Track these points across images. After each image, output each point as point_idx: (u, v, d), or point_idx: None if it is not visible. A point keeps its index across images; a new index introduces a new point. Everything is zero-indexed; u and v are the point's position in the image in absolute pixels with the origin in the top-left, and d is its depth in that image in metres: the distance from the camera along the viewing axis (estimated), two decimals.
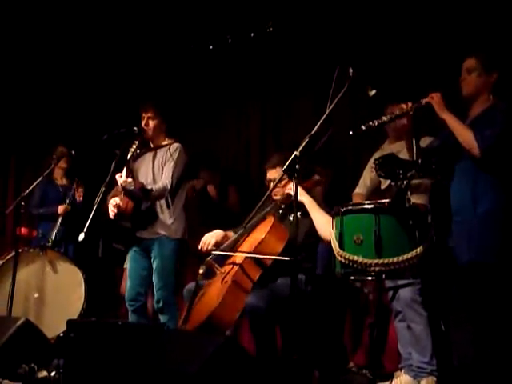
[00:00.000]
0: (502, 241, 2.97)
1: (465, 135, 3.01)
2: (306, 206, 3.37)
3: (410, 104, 3.14)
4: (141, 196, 4.02)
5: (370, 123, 3.11)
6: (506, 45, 4.13)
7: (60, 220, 5.08)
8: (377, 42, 4.92)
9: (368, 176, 4.00)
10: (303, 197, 3.35)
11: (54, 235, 4.99)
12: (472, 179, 3.06)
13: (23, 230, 5.04)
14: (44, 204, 5.29)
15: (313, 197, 3.48)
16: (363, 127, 3.10)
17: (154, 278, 4.10)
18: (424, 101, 3.11)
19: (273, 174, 3.56)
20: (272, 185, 3.39)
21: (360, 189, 4.10)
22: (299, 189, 3.30)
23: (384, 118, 3.13)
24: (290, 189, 3.41)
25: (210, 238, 3.51)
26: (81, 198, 5.24)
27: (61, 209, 5.15)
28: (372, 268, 2.62)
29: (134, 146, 4.12)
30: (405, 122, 3.36)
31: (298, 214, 3.14)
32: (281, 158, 3.44)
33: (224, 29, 5.71)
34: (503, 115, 3.01)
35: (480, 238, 2.99)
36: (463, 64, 3.19)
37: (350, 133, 3.12)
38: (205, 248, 3.48)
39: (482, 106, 3.14)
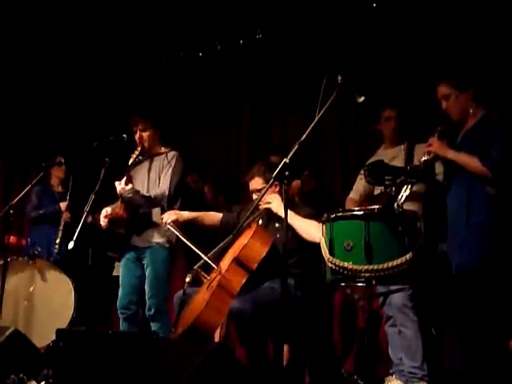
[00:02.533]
0: (490, 248, 3.01)
1: (473, 166, 3.08)
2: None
3: (419, 162, 3.24)
4: (139, 204, 4.01)
5: (400, 200, 3.13)
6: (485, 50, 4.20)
7: (61, 230, 5.04)
8: (365, 48, 4.95)
9: (361, 182, 4.02)
10: (280, 209, 3.36)
11: (57, 243, 4.99)
12: (466, 190, 3.12)
13: (12, 239, 5.00)
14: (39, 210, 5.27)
15: (292, 203, 3.51)
16: (399, 208, 3.11)
17: (146, 286, 4.07)
18: (427, 151, 3.21)
19: (253, 184, 3.62)
20: (254, 194, 3.54)
21: (353, 194, 4.12)
22: (278, 201, 3.37)
23: (404, 195, 3.15)
24: (267, 203, 3.47)
25: (173, 214, 3.73)
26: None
27: (63, 206, 5.12)
28: (362, 274, 2.63)
29: (136, 153, 4.11)
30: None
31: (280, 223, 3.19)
32: (259, 169, 3.59)
33: (213, 36, 5.73)
34: (500, 131, 3.09)
35: (469, 247, 3.03)
36: (437, 93, 3.27)
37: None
38: (165, 219, 3.70)
39: (472, 119, 3.22)
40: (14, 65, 5.93)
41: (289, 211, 3.36)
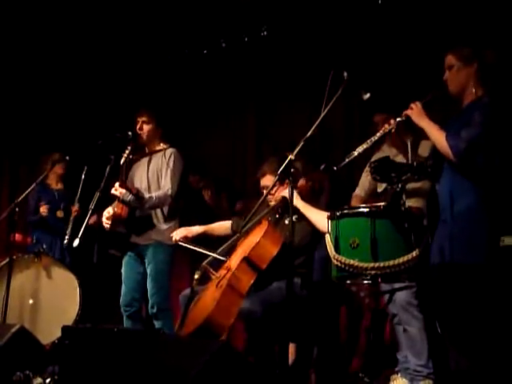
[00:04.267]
0: (488, 239, 2.85)
1: (438, 141, 2.93)
2: (301, 209, 3.37)
3: (392, 121, 3.10)
4: (138, 205, 4.00)
5: (354, 152, 3.08)
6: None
7: (66, 241, 5.02)
8: (371, 45, 4.94)
9: (366, 178, 3.99)
10: (296, 200, 3.35)
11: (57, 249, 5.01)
12: (450, 178, 2.98)
13: (17, 237, 5.00)
14: (38, 211, 5.26)
15: (306, 200, 3.49)
16: (347, 159, 3.07)
17: (148, 284, 4.08)
18: (404, 114, 3.06)
19: (264, 181, 3.59)
20: (265, 191, 3.45)
21: (359, 190, 4.10)
22: (295, 194, 3.32)
23: (364, 146, 3.08)
24: (284, 192, 3.43)
25: (182, 231, 3.75)
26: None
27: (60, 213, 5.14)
28: (368, 272, 2.62)
29: (127, 152, 4.10)
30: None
31: (294, 217, 3.15)
32: (271, 166, 3.54)
33: (218, 33, 5.72)
34: (482, 113, 2.89)
35: (463, 239, 2.87)
36: (444, 61, 3.10)
37: (335, 168, 3.08)
38: (174, 238, 3.73)
39: (468, 100, 3.04)
40: (18, 62, 5.94)
41: (304, 203, 3.37)
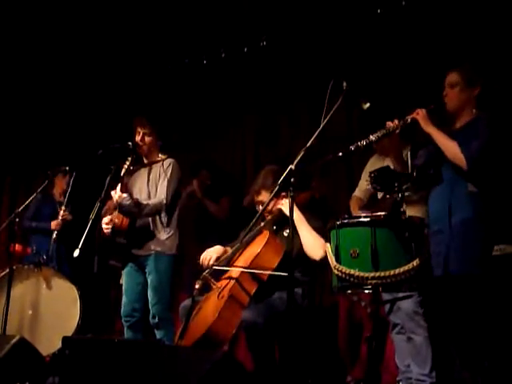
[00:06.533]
0: (484, 250, 2.94)
1: (451, 149, 3.00)
2: (295, 223, 3.32)
3: (396, 121, 3.14)
4: (136, 211, 4.00)
5: (358, 143, 3.11)
6: (491, 57, 4.17)
7: (54, 236, 5.03)
8: (371, 54, 4.95)
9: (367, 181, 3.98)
10: (294, 212, 3.32)
11: (49, 251, 4.97)
12: (450, 189, 3.05)
13: (17, 247, 5.00)
14: (38, 218, 5.25)
15: (304, 211, 3.47)
16: (352, 148, 3.10)
17: (149, 294, 4.08)
18: (409, 117, 3.12)
19: (260, 197, 3.55)
20: (261, 206, 3.43)
21: (359, 192, 4.09)
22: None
23: (372, 138, 3.12)
24: (281, 204, 3.42)
25: (211, 254, 3.51)
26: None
27: (53, 225, 5.11)
28: (369, 281, 2.61)
29: (128, 162, 4.11)
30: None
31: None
32: (266, 181, 3.51)
33: (218, 43, 5.74)
34: (487, 126, 3.01)
35: (460, 250, 2.95)
36: (446, 78, 3.19)
37: (340, 154, 3.10)
38: (206, 263, 3.48)
39: (465, 119, 3.14)
40: (18, 74, 5.97)
41: (301, 216, 3.35)
